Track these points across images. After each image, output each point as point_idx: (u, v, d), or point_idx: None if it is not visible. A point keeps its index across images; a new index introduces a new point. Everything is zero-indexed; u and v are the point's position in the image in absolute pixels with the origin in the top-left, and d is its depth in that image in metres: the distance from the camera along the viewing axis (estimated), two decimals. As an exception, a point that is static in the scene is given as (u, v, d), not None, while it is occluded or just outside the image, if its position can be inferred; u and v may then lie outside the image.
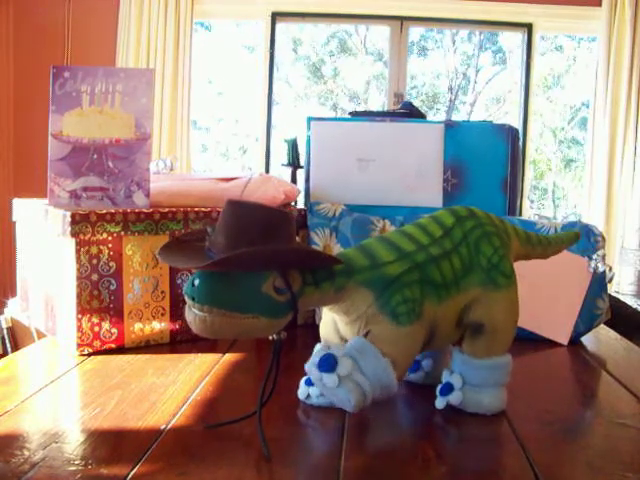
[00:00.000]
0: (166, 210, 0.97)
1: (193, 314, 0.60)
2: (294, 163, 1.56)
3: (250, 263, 0.59)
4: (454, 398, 0.73)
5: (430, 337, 0.68)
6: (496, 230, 0.73)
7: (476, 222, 0.72)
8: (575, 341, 1.06)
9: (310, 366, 0.66)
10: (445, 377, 0.75)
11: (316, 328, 0.79)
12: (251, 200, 0.66)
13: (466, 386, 0.73)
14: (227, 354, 0.94)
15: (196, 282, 0.59)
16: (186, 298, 0.60)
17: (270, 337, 0.64)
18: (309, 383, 0.74)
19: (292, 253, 0.61)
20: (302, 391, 0.75)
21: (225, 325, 0.59)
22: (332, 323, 0.72)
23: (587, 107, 3.62)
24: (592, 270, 1.05)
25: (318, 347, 0.75)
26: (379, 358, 0.65)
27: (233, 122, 5.26)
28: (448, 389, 0.73)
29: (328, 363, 0.64)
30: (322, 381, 0.64)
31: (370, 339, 0.66)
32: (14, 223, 1.15)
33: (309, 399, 0.74)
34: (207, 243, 0.62)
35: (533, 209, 5.35)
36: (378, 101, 4.62)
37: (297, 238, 0.65)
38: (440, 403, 0.73)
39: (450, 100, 5.16)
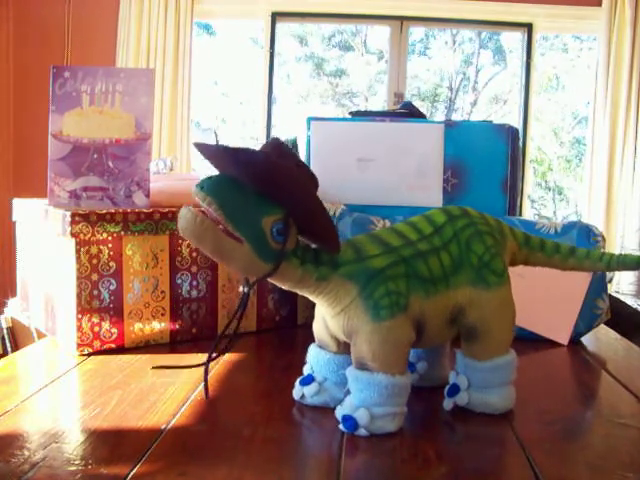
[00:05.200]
0: (166, 210, 0.97)
1: (187, 209, 0.60)
2: (294, 163, 1.56)
3: (265, 170, 0.59)
4: (460, 399, 0.73)
5: (419, 332, 0.68)
6: (489, 229, 0.73)
7: (468, 221, 0.72)
8: (575, 341, 1.06)
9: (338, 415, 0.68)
10: (452, 378, 0.75)
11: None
12: None
13: (471, 387, 0.73)
14: (227, 354, 0.94)
15: (214, 176, 0.61)
16: (195, 189, 0.61)
17: (240, 289, 0.65)
18: (304, 383, 0.74)
19: (309, 196, 0.62)
20: (297, 391, 0.75)
21: (210, 230, 0.60)
22: (322, 321, 0.72)
23: (587, 107, 3.62)
24: (592, 270, 1.05)
25: (312, 349, 0.76)
26: (378, 379, 0.65)
27: (235, 123, 5.26)
28: (455, 390, 0.74)
29: (350, 424, 0.66)
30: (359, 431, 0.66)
31: (355, 341, 0.66)
32: (14, 223, 1.15)
33: (304, 399, 0.74)
34: None
35: (534, 209, 5.35)
36: (380, 100, 4.62)
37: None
38: (447, 404, 0.73)
39: (450, 100, 5.16)
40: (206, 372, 0.73)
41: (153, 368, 0.72)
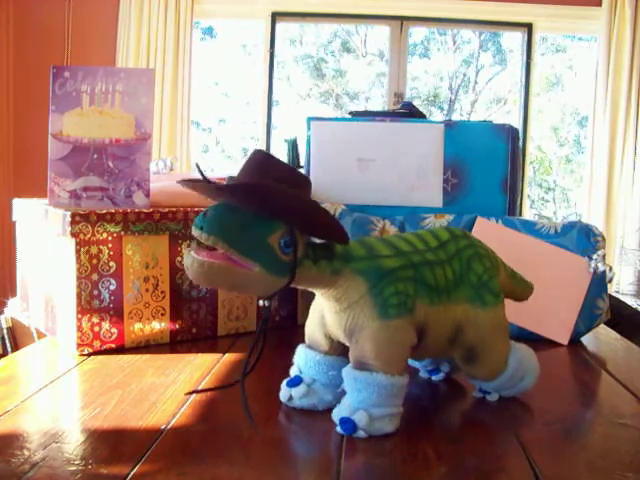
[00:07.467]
0: (166, 210, 0.97)
1: (191, 258, 0.59)
2: (294, 163, 1.56)
3: (260, 198, 0.59)
4: (491, 398, 0.77)
5: (419, 339, 0.69)
6: (487, 254, 0.76)
7: (469, 242, 0.75)
8: (575, 341, 1.06)
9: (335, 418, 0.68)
10: (478, 384, 0.78)
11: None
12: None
13: (500, 391, 0.77)
14: (227, 354, 0.94)
15: (208, 213, 0.60)
16: (193, 230, 0.60)
17: (260, 303, 0.64)
18: (291, 384, 0.74)
19: (304, 204, 0.61)
20: (284, 393, 0.74)
21: (222, 271, 0.59)
22: (318, 318, 0.72)
23: (587, 107, 3.61)
24: (592, 270, 1.05)
25: (300, 350, 0.75)
26: (378, 379, 0.65)
27: (236, 123, 5.26)
28: (485, 392, 0.78)
29: (348, 427, 0.65)
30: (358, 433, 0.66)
31: (357, 339, 0.66)
32: (14, 223, 1.15)
33: (291, 401, 0.73)
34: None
35: (534, 209, 5.35)
36: (380, 101, 4.62)
37: None
38: (477, 395, 0.78)
39: (450, 100, 5.16)
40: (243, 389, 0.67)
41: (187, 394, 0.70)
